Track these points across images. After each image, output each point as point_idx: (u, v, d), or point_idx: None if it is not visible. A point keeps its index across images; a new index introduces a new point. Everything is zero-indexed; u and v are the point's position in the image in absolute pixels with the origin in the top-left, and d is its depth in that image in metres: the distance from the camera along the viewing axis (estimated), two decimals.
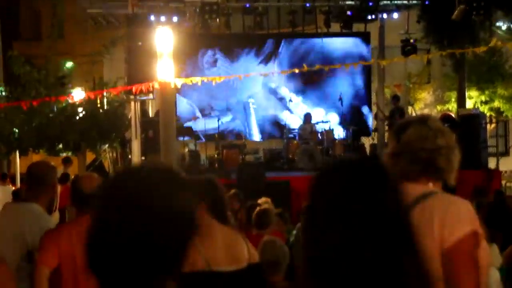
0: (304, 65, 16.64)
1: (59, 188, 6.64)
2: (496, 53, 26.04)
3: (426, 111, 26.86)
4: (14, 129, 19.84)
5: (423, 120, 3.45)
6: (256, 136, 23.65)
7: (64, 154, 20.63)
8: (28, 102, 18.43)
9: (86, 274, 1.85)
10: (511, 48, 22.33)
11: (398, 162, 3.38)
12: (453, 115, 20.87)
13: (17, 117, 19.69)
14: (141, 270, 1.82)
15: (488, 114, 25.40)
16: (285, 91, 23.74)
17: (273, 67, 23.67)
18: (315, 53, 23.94)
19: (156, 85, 16.32)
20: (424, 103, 28.57)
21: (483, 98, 26.23)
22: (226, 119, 23.10)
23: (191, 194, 1.95)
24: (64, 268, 4.86)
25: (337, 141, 21.18)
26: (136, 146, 18.69)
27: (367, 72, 24.04)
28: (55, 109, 20.03)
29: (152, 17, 17.75)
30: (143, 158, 17.67)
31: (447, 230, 3.13)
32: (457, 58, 21.86)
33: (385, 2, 22.03)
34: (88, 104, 20.09)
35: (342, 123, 22.56)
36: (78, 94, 19.95)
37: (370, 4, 21.93)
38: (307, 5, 21.75)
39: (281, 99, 23.74)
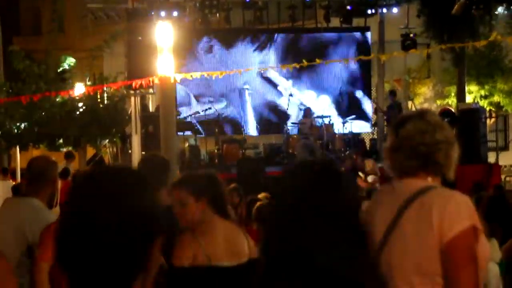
0: (304, 60, 16.61)
1: (59, 183, 6.65)
2: (496, 48, 26.01)
3: (426, 105, 26.84)
4: (18, 124, 19.83)
5: (421, 114, 3.44)
6: (252, 123, 23.53)
7: (65, 149, 20.63)
8: (28, 97, 18.43)
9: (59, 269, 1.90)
10: (511, 43, 22.33)
11: (397, 157, 3.38)
12: (452, 110, 20.87)
13: (17, 112, 19.70)
14: (108, 267, 1.86)
15: (487, 109, 25.40)
16: (283, 81, 23.61)
17: (268, 53, 23.60)
18: (308, 37, 23.93)
19: (156, 80, 16.32)
20: (423, 97, 28.55)
21: (482, 92, 26.21)
22: (220, 105, 23.04)
23: (156, 195, 2.02)
24: None
25: (337, 136, 21.20)
26: (136, 141, 18.70)
27: (362, 53, 23.79)
28: (55, 104, 20.02)
29: (152, 12, 17.74)
30: (143, 153, 17.67)
31: (446, 225, 3.14)
32: (457, 53, 21.85)
33: None
34: (88, 99, 20.09)
35: (340, 113, 22.62)
36: (78, 89, 19.94)
37: None
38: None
39: (276, 86, 23.62)
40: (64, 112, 19.98)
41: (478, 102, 24.62)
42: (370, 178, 15.79)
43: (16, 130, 20.06)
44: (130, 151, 20.03)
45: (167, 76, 16.20)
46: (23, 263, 5.15)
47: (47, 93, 19.06)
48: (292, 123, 21.98)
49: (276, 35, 23.74)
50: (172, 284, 4.31)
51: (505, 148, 27.41)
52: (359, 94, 24.02)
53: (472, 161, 18.26)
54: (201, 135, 21.57)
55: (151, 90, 18.92)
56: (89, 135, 20.09)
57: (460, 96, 23.33)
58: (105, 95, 20.50)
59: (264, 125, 23.52)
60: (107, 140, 21.26)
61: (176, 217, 4.50)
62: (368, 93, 24.25)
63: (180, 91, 22.58)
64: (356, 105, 23.85)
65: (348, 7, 22.18)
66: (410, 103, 25.06)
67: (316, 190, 2.06)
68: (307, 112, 21.79)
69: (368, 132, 24.52)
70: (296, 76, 23.21)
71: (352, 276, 2.00)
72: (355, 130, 22.74)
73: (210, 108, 21.28)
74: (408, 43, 20.53)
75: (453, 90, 25.65)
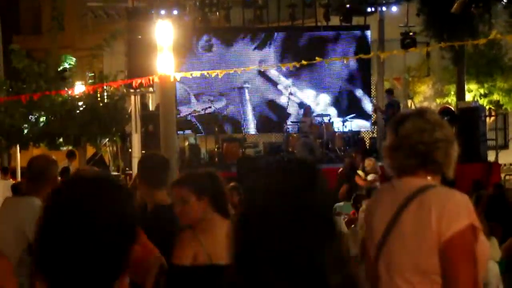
0: (304, 61, 16.63)
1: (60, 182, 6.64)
2: (495, 46, 26.01)
3: (425, 104, 26.82)
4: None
5: (421, 113, 3.44)
6: (251, 122, 23.50)
7: (65, 148, 20.64)
8: (28, 96, 18.43)
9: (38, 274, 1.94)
10: (511, 41, 22.32)
11: (397, 155, 3.39)
12: (452, 108, 20.88)
13: (17, 111, 19.69)
14: (85, 273, 1.90)
15: (487, 107, 25.39)
16: (282, 79, 23.59)
17: (268, 51, 23.58)
18: (308, 35, 23.89)
19: (156, 79, 16.32)
20: (423, 96, 28.54)
21: (482, 91, 26.20)
22: (220, 104, 23.03)
23: (132, 201, 2.06)
24: None
25: (337, 134, 21.22)
26: (136, 140, 18.71)
27: (361, 52, 23.76)
28: (56, 103, 20.01)
29: (152, 11, 17.73)
30: (143, 151, 17.68)
31: (444, 223, 3.14)
32: (456, 51, 21.83)
33: None
34: (88, 98, 20.08)
35: (340, 112, 22.65)
36: (78, 88, 19.94)
37: None
38: None
39: (276, 84, 23.60)
40: (64, 111, 19.97)
41: (477, 101, 24.60)
42: (370, 177, 15.80)
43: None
44: (130, 150, 20.04)
45: (167, 75, 16.19)
46: (24, 262, 5.16)
47: (47, 92, 19.06)
48: (292, 121, 21.99)
49: (275, 33, 23.72)
50: (172, 283, 4.32)
51: (504, 146, 27.40)
52: (359, 92, 24.02)
53: (472, 159, 18.28)
54: (201, 134, 21.58)
55: (151, 89, 18.90)
56: (89, 134, 20.07)
57: (460, 94, 23.33)
58: (105, 94, 20.49)
59: (263, 123, 23.50)
60: (107, 139, 21.25)
61: (176, 216, 4.50)
62: (367, 92, 24.26)
63: (180, 89, 22.56)
64: (356, 103, 23.86)
65: (348, 6, 22.18)
66: (409, 101, 25.07)
67: (289, 188, 2.06)
68: (307, 110, 21.79)
69: (368, 131, 24.53)
70: (295, 74, 23.16)
71: (320, 272, 2.00)
72: (355, 128, 22.77)
73: (210, 107, 21.30)
74: (407, 42, 20.53)
75: (452, 88, 25.65)
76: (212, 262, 4.33)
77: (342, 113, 22.82)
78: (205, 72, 17.66)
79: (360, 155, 17.39)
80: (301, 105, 22.95)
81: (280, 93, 23.45)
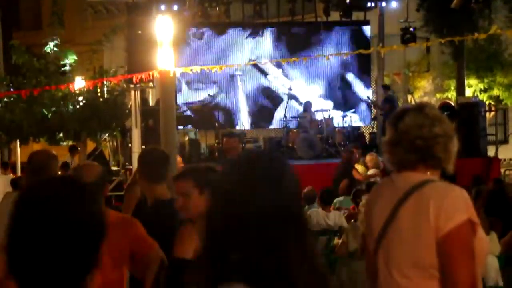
0: (304, 57, 16.64)
1: None
2: (495, 41, 26.00)
3: (425, 99, 26.81)
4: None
5: (420, 108, 3.44)
6: (244, 110, 23.46)
7: (65, 143, 20.65)
8: (28, 91, 18.43)
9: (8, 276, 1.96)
10: (510, 36, 22.32)
11: (396, 150, 3.39)
12: (452, 104, 20.88)
13: (17, 106, 19.69)
14: (55, 274, 1.93)
15: (487, 102, 25.40)
16: (273, 69, 23.55)
17: (261, 40, 23.51)
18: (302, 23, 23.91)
19: (156, 74, 16.31)
20: (423, 91, 28.54)
21: (482, 86, 26.20)
22: (212, 91, 22.98)
23: (98, 202, 2.12)
24: None
25: (337, 129, 21.21)
26: (136, 135, 18.70)
27: (356, 40, 23.70)
28: (56, 98, 20.01)
29: (152, 6, 17.72)
30: (143, 146, 17.68)
31: (442, 218, 3.15)
32: (456, 46, 21.84)
33: None
34: (88, 93, 20.09)
35: (339, 107, 22.67)
36: (78, 83, 19.93)
37: None
38: None
39: (267, 74, 23.56)
40: (64, 106, 19.98)
41: (477, 96, 24.62)
42: (372, 171, 15.81)
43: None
44: (130, 145, 20.03)
45: (167, 70, 16.18)
46: None
47: (46, 87, 19.07)
48: (292, 116, 21.97)
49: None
50: (173, 277, 4.32)
51: (504, 141, 27.42)
52: (358, 87, 23.99)
53: (472, 154, 18.29)
54: (200, 129, 21.58)
55: (151, 84, 18.90)
56: (89, 129, 20.07)
57: (460, 89, 23.34)
58: (105, 89, 20.48)
59: (257, 111, 23.47)
60: (107, 134, 21.25)
61: (176, 211, 4.51)
62: (367, 87, 24.23)
63: None
64: (356, 98, 23.84)
65: (348, 1, 22.17)
66: (409, 96, 25.06)
67: (255, 184, 2.05)
68: (307, 106, 21.77)
69: (367, 126, 24.53)
70: (291, 65, 23.06)
71: (290, 275, 2.01)
72: (355, 124, 22.76)
73: (205, 97, 21.39)
74: (407, 37, 20.49)
75: (452, 83, 25.65)
76: None
77: (341, 108, 22.75)
78: (205, 68, 17.66)
79: (359, 150, 17.39)
80: (297, 99, 22.89)
81: (272, 81, 23.42)
